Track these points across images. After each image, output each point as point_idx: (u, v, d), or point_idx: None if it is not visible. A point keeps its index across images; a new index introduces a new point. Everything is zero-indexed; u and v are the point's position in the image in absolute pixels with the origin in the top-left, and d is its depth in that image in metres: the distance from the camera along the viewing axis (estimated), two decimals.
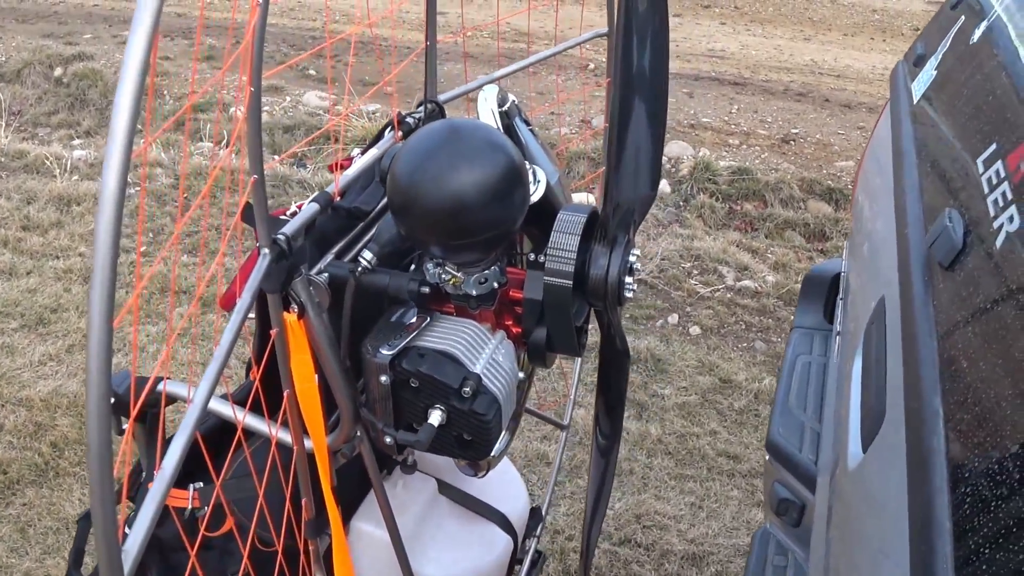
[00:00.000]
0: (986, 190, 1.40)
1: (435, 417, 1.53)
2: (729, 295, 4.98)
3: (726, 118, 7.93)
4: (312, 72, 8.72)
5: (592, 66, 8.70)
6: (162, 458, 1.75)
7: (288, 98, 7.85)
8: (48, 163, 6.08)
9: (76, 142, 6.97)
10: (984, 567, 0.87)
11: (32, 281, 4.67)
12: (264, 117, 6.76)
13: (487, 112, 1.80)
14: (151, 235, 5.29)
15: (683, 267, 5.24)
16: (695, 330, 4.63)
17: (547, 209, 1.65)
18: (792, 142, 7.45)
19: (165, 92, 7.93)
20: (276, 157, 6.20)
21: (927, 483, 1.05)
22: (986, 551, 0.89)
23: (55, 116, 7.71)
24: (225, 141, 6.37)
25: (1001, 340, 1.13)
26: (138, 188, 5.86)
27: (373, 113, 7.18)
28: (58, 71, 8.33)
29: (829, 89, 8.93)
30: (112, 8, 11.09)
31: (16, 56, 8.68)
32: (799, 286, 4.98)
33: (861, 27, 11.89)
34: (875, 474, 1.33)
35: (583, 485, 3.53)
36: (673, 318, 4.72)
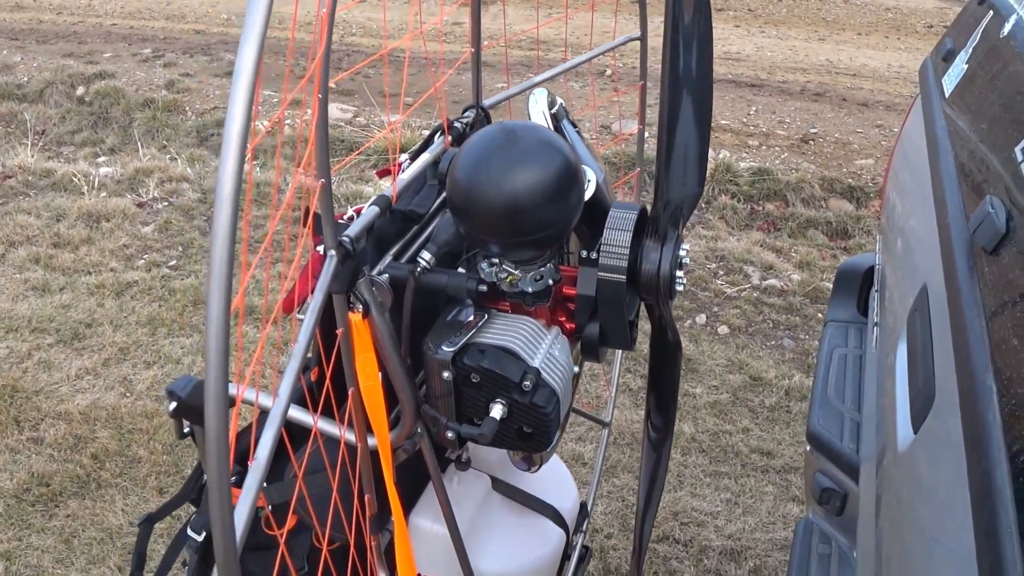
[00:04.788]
0: None
1: (497, 411, 1.57)
2: (755, 294, 5.01)
3: (745, 120, 7.96)
4: (332, 85, 8.78)
5: (608, 72, 8.75)
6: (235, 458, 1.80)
7: (308, 111, 7.92)
8: (76, 180, 6.16)
9: (101, 159, 7.05)
10: None
11: (66, 297, 4.74)
12: (286, 131, 6.82)
13: (538, 114, 1.85)
14: (180, 248, 5.35)
15: (709, 267, 5.27)
16: (723, 329, 4.67)
17: (597, 207, 1.70)
18: (811, 142, 7.48)
19: (187, 108, 8.01)
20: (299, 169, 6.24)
21: (985, 456, 1.09)
22: None
23: (79, 134, 7.79)
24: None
25: None
26: (166, 203, 5.93)
27: (389, 123, 7.25)
28: (80, 90, 8.42)
29: (846, 88, 8.95)
30: (131, 27, 11.18)
31: (38, 76, 8.78)
32: (825, 284, 5.03)
33: (875, 26, 11.91)
34: (928, 451, 1.37)
35: (619, 484, 3.57)
36: (701, 318, 4.76)
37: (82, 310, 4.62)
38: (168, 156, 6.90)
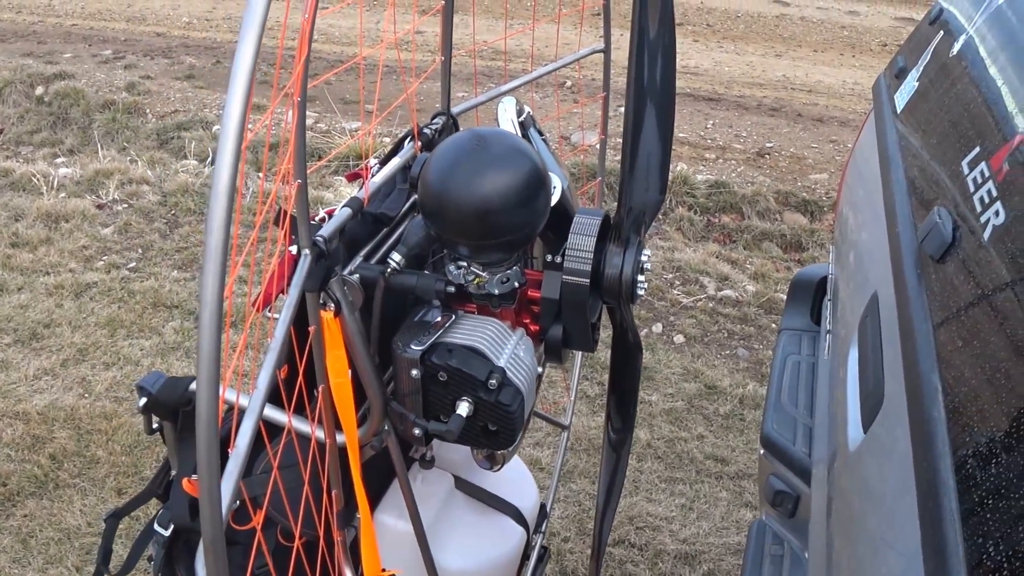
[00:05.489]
0: (972, 189, 1.52)
1: (463, 408, 1.62)
2: (711, 304, 5.09)
3: (702, 133, 8.07)
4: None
5: (570, 83, 8.82)
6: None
7: (274, 115, 7.91)
8: (35, 180, 6.12)
9: (60, 160, 7.01)
10: (988, 516, 0.98)
11: (24, 297, 4.72)
12: (248, 135, 6.83)
13: (507, 121, 1.91)
14: (140, 251, 5.34)
15: (665, 278, 5.35)
16: (679, 339, 4.74)
17: (562, 213, 1.76)
18: (767, 156, 7.60)
19: (147, 111, 7.98)
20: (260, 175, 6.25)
21: (931, 450, 1.16)
22: (989, 502, 1.00)
23: (37, 134, 7.74)
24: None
25: (991, 321, 1.24)
26: (126, 205, 5.92)
27: (355, 131, 7.27)
28: (39, 90, 8.36)
29: (801, 104, 9.10)
30: (91, 28, 11.12)
31: None
32: (779, 295, 5.12)
33: (830, 43, 12.10)
34: (878, 449, 1.44)
35: (576, 489, 3.62)
36: (657, 327, 4.83)
37: (40, 310, 4.60)
38: (128, 158, 6.88)
